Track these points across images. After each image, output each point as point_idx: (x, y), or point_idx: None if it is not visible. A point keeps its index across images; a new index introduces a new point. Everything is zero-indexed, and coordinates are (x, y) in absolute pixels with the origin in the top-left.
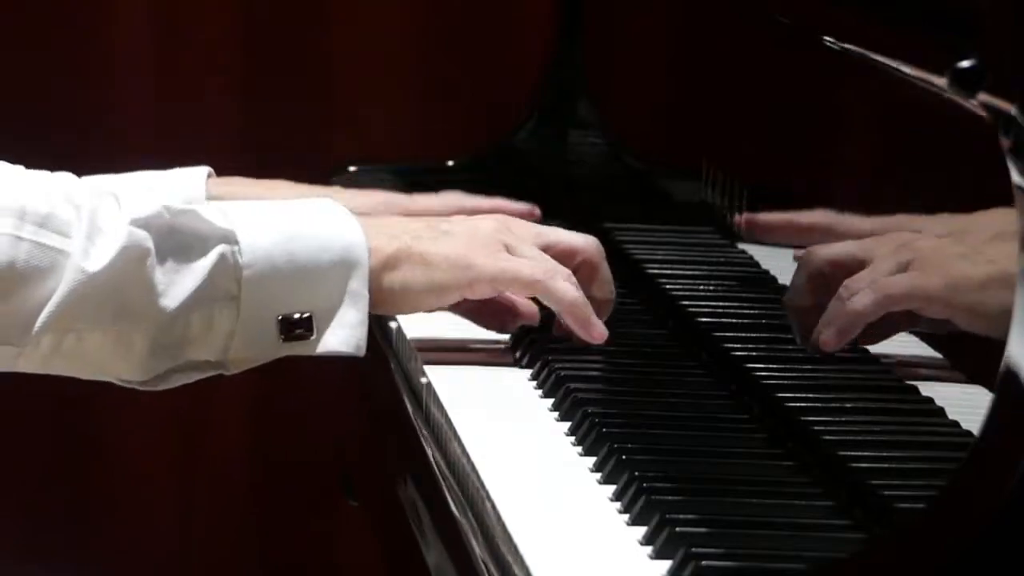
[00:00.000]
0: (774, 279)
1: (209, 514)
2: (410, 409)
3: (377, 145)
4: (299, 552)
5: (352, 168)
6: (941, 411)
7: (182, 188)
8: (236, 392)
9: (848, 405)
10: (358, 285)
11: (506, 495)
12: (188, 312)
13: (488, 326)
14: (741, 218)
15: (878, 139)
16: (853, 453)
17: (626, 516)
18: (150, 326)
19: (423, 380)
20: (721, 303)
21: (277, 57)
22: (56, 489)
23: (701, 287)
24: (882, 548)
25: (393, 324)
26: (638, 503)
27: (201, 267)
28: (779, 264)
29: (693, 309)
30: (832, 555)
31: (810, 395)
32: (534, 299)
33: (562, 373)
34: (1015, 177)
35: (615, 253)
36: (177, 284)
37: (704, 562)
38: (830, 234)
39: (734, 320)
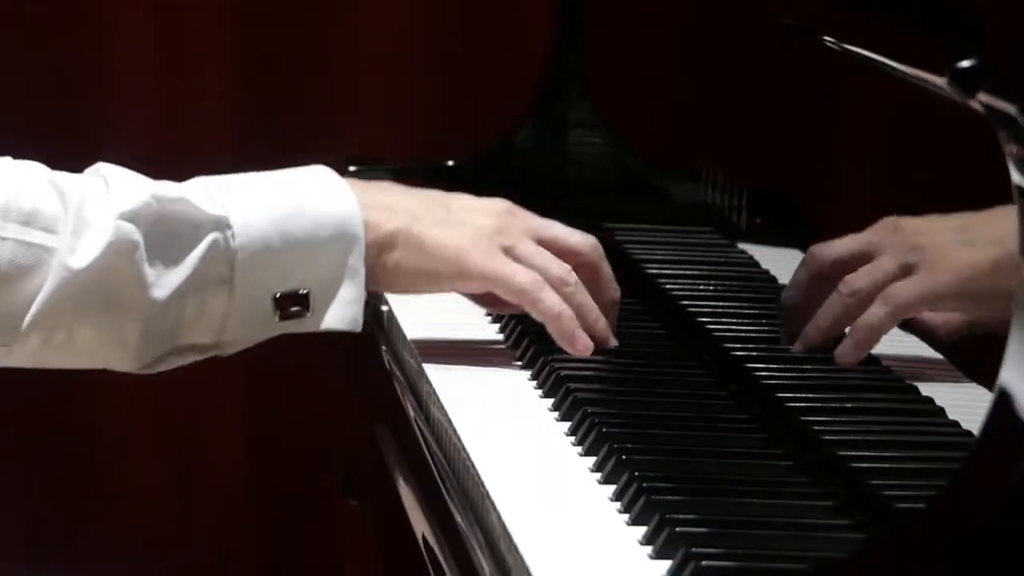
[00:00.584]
0: (774, 279)
1: (209, 514)
2: (410, 409)
3: (377, 145)
4: (299, 552)
5: (352, 168)
6: (941, 411)
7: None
8: (236, 392)
9: (848, 405)
10: (355, 260)
11: (506, 495)
12: (181, 299)
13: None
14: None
15: (878, 139)
16: (853, 453)
17: (626, 516)
18: (141, 317)
19: (423, 380)
20: (721, 303)
21: (277, 58)
22: (55, 488)
23: (701, 287)
24: (882, 548)
25: (393, 324)
26: (638, 503)
27: (193, 256)
28: (779, 264)
29: (693, 309)
30: (832, 555)
31: (810, 395)
32: None
33: (562, 373)
34: (1015, 177)
35: (615, 253)
36: (168, 275)
37: (704, 562)
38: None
39: (734, 320)
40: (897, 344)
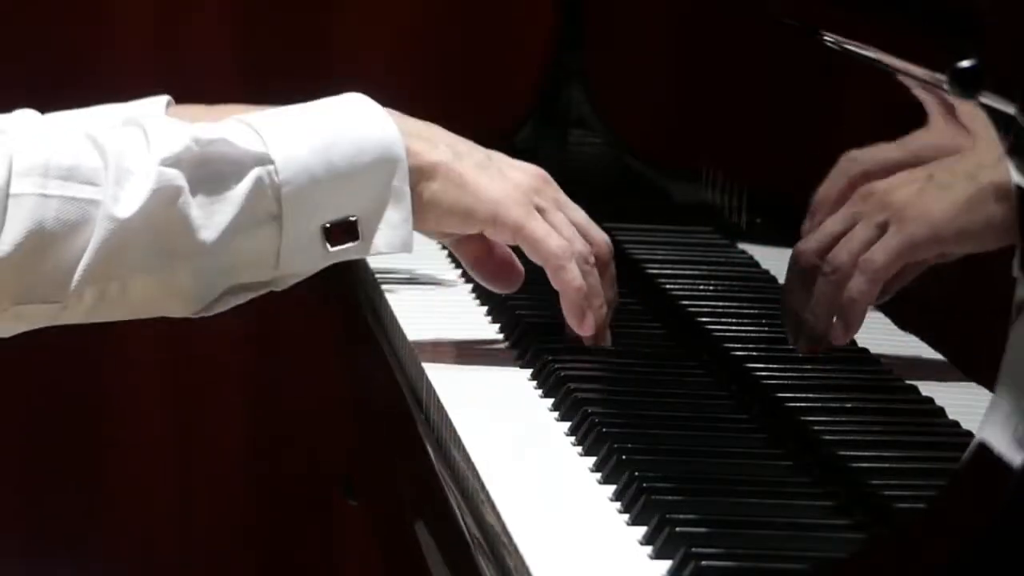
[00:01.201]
0: (774, 279)
1: (209, 514)
2: (410, 409)
3: None
4: (299, 552)
5: None
6: (941, 411)
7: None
8: (236, 392)
9: (848, 405)
10: (399, 182)
11: (506, 495)
12: (231, 240)
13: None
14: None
15: (877, 138)
16: (853, 453)
17: (626, 516)
18: (193, 261)
19: (423, 380)
20: (721, 303)
21: (277, 56)
22: (55, 489)
23: (701, 287)
24: (882, 548)
25: (394, 324)
26: (638, 503)
27: (238, 194)
28: (779, 264)
29: (693, 309)
30: (832, 555)
31: (810, 395)
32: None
33: (562, 373)
34: (1015, 177)
35: (615, 253)
36: (215, 216)
37: (704, 562)
38: None
39: (734, 320)
40: (897, 344)
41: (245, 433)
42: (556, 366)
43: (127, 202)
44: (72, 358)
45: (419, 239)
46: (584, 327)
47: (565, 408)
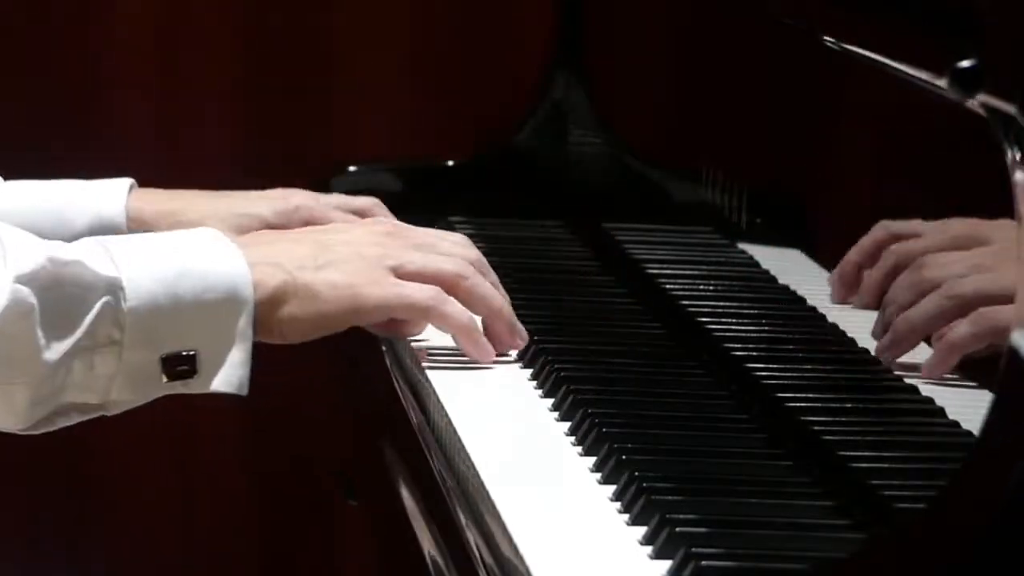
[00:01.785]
0: (774, 279)
1: (209, 515)
2: (410, 410)
3: (377, 145)
4: (299, 552)
5: (352, 168)
6: (941, 411)
7: (104, 202)
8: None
9: (848, 405)
10: (243, 324)
11: (506, 495)
12: (69, 361)
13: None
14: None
15: (878, 138)
16: (853, 453)
17: (626, 516)
18: (32, 380)
19: (423, 380)
20: (721, 303)
21: (277, 58)
22: (56, 490)
23: (701, 287)
24: (882, 548)
25: None
26: (638, 503)
27: (85, 319)
28: (779, 264)
29: (693, 309)
30: (832, 555)
31: (810, 395)
32: None
33: (562, 373)
34: (1015, 177)
35: (615, 253)
36: (60, 337)
37: (704, 562)
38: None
39: (734, 320)
40: None
41: (245, 433)
42: (556, 366)
43: None
44: None
45: None
46: (484, 357)
47: (565, 408)
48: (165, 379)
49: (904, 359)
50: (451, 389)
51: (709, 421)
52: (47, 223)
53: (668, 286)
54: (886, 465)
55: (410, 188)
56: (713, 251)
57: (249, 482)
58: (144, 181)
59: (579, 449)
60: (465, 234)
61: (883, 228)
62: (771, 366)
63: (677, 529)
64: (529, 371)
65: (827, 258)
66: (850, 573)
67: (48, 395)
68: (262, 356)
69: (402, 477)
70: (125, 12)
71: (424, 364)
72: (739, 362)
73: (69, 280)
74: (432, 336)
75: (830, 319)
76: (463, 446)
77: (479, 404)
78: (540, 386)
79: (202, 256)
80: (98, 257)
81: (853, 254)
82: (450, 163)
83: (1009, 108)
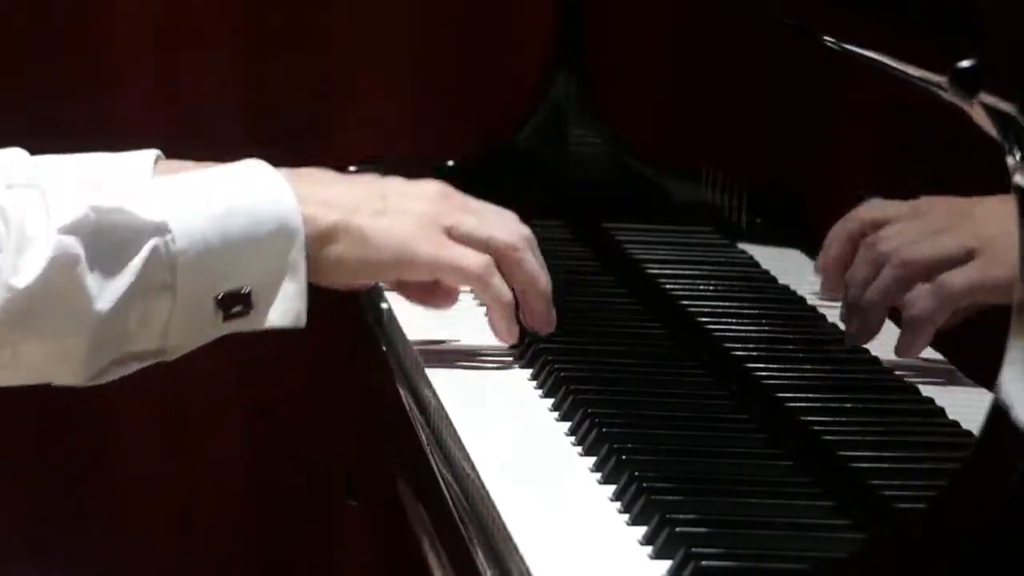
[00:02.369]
0: (774, 279)
1: (209, 514)
2: (410, 409)
3: (377, 145)
4: (299, 552)
5: (352, 168)
6: (941, 411)
7: (129, 172)
8: (236, 392)
9: (848, 405)
10: (295, 256)
11: (506, 495)
12: (124, 309)
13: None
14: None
15: (877, 138)
16: (853, 453)
17: (626, 516)
18: (87, 330)
19: (423, 380)
20: (721, 303)
21: (277, 56)
22: (56, 490)
23: (701, 287)
24: (882, 548)
25: (394, 324)
26: (638, 503)
27: (134, 264)
28: (779, 264)
29: (693, 309)
30: (832, 555)
31: (810, 395)
32: None
33: (562, 373)
34: (1015, 177)
35: (615, 253)
36: (110, 285)
37: (704, 562)
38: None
39: (734, 320)
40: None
41: (245, 433)
42: (556, 366)
43: (26, 270)
44: None
45: None
46: (508, 337)
47: (565, 408)
48: (222, 318)
49: (904, 359)
50: (451, 389)
51: (709, 421)
52: None
53: (668, 286)
54: (886, 465)
55: None
56: (713, 251)
57: (248, 481)
58: None
59: (579, 449)
60: None
61: (852, 219)
62: (771, 366)
63: (677, 529)
64: (529, 371)
65: None
66: (850, 573)
67: (105, 344)
68: (261, 356)
69: (402, 477)
70: (125, 12)
71: (424, 364)
72: (739, 362)
73: (114, 227)
74: (433, 335)
75: (830, 319)
76: (463, 446)
77: (479, 404)
78: (540, 386)
79: (249, 191)
80: (142, 201)
81: (833, 249)
82: (450, 163)
83: (1009, 108)
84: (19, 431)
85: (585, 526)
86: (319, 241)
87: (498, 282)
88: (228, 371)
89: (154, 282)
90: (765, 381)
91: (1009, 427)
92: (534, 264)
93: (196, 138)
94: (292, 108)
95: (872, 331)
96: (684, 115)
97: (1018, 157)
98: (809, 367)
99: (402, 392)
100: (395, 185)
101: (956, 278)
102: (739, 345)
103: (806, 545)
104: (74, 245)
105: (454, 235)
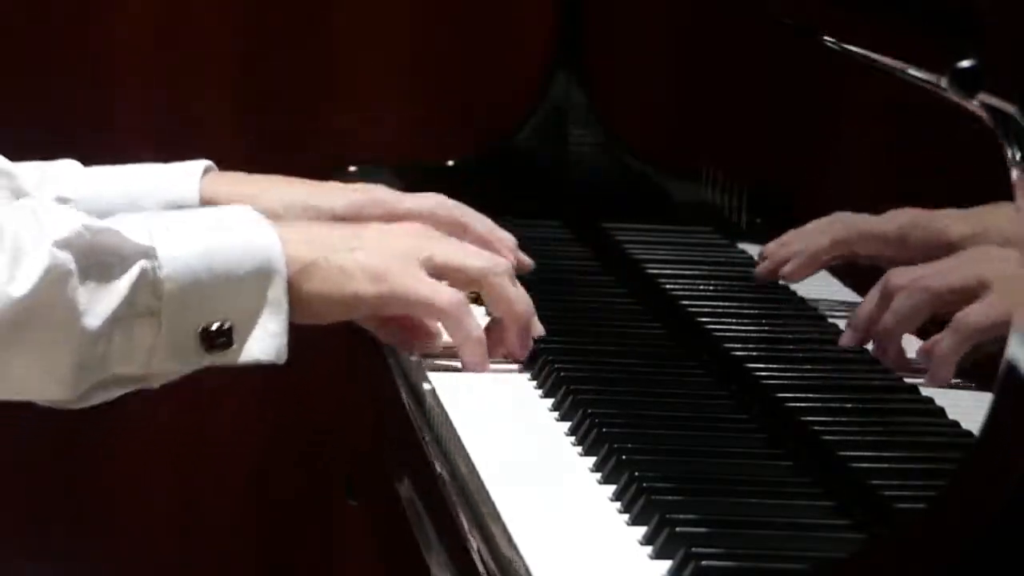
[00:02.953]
0: (774, 279)
1: (208, 514)
2: (410, 409)
3: (377, 145)
4: (299, 552)
5: (352, 168)
6: (941, 411)
7: (177, 184)
8: (236, 393)
9: (848, 405)
10: (277, 293)
11: (506, 495)
12: (111, 328)
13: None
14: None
15: (877, 138)
16: (853, 453)
17: (626, 516)
18: (75, 346)
19: (423, 380)
20: (721, 303)
21: (277, 56)
22: (56, 490)
23: (701, 287)
24: (882, 548)
25: None
26: (638, 503)
27: (122, 284)
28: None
29: (693, 309)
30: (832, 555)
31: (810, 395)
32: None
33: (562, 373)
34: (1015, 177)
35: (615, 253)
36: (99, 303)
37: (704, 562)
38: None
39: (734, 320)
40: None
41: (245, 433)
42: (556, 366)
43: (21, 280)
44: None
45: None
46: (479, 370)
47: (565, 408)
48: (204, 350)
49: (903, 360)
50: (451, 389)
51: (709, 421)
52: (120, 207)
53: (668, 286)
54: (886, 465)
55: (410, 188)
56: (713, 251)
57: (248, 481)
58: None
59: (579, 449)
60: None
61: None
62: (771, 366)
63: (677, 529)
64: (529, 371)
65: None
66: (850, 573)
67: (91, 363)
68: None
69: (402, 477)
70: (125, 12)
71: (424, 364)
72: (739, 362)
73: (105, 247)
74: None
75: (830, 319)
76: (463, 446)
77: (479, 404)
78: (540, 386)
79: (236, 230)
80: (133, 227)
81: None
82: (450, 163)
83: (1009, 108)
84: (19, 431)
85: (585, 526)
86: (301, 278)
87: (468, 321)
88: (227, 371)
89: (140, 306)
90: (765, 381)
91: (1009, 427)
92: (511, 290)
93: (196, 138)
94: (292, 108)
95: (893, 356)
96: (684, 115)
97: (1018, 157)
98: (809, 367)
99: (402, 392)
100: (374, 227)
101: (975, 314)
102: (739, 345)
103: (806, 545)
104: (68, 260)
105: (430, 267)
